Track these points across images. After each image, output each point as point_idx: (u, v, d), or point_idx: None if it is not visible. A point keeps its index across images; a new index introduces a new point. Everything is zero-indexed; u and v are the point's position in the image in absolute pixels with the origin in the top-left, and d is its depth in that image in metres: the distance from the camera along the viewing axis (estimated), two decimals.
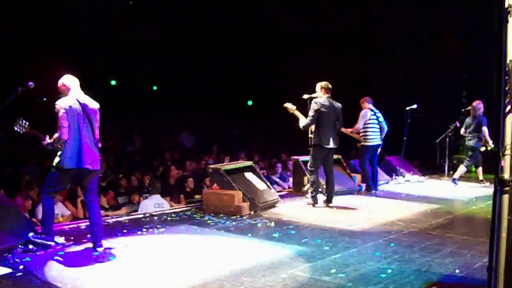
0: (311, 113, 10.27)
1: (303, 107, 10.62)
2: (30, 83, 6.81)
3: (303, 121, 10.52)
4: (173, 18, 21.86)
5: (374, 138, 12.04)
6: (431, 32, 18.08)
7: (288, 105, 10.87)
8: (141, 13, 21.36)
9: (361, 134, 12.09)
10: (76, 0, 19.56)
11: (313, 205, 10.38)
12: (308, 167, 10.53)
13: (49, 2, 18.90)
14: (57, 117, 6.78)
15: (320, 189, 10.68)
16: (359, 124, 12.03)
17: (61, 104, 6.81)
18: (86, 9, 19.69)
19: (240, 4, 22.76)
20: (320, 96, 10.38)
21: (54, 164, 6.91)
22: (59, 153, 6.86)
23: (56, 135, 6.79)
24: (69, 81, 7.06)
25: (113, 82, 23.76)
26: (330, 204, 10.41)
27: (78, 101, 6.96)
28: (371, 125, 12.00)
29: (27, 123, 6.97)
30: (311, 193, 10.49)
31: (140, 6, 21.54)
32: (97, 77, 17.60)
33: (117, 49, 21.33)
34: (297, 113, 10.78)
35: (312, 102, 10.34)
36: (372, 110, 12.08)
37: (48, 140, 6.90)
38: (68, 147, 6.81)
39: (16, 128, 6.93)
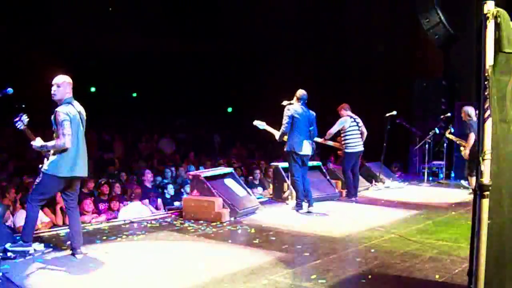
0: (285, 120, 10.27)
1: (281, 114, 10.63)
2: (9, 89, 6.73)
3: (277, 133, 10.57)
4: (153, 26, 21.83)
5: (357, 145, 12.08)
6: (410, 39, 18.19)
7: (257, 123, 10.91)
8: (121, 20, 21.29)
9: (343, 142, 12.11)
10: (56, 7, 19.45)
11: (297, 211, 10.38)
12: (290, 176, 10.50)
13: (28, 9, 18.78)
14: (60, 124, 6.63)
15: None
16: (333, 130, 12.07)
17: (64, 112, 6.70)
18: (66, 16, 19.60)
19: (219, 12, 22.81)
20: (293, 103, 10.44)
21: (45, 170, 6.75)
22: (53, 159, 6.73)
23: (57, 142, 6.66)
24: (69, 85, 7.03)
25: (92, 89, 23.63)
26: (311, 210, 10.38)
27: (75, 108, 6.91)
28: (353, 132, 12.02)
29: (28, 120, 6.92)
30: (297, 199, 10.50)
31: (120, 14, 21.48)
32: (77, 84, 17.42)
33: (97, 56, 21.22)
34: (268, 128, 10.85)
35: (285, 109, 10.36)
36: (351, 117, 12.11)
37: (41, 142, 6.81)
38: (65, 155, 6.71)
39: (16, 121, 6.89)
